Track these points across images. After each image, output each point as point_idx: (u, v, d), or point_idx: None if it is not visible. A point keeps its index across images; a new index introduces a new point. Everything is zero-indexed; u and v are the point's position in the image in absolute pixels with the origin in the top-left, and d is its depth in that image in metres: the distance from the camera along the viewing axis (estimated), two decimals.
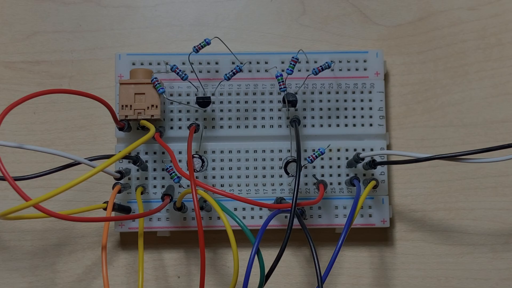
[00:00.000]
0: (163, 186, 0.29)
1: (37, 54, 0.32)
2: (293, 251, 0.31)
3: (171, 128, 0.29)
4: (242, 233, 0.24)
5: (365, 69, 0.30)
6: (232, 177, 0.29)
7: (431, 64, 0.32)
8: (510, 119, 0.31)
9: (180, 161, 0.29)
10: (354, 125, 0.30)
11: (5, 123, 0.21)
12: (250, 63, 0.30)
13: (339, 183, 0.30)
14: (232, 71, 0.28)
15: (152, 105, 0.28)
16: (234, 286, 0.24)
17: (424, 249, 0.31)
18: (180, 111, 0.30)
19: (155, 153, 0.30)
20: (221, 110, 0.30)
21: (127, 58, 0.30)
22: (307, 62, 0.30)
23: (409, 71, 0.32)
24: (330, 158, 0.30)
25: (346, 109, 0.30)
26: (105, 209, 0.27)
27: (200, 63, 0.30)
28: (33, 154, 0.30)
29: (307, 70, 0.30)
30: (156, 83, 0.27)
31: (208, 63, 0.30)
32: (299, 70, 0.30)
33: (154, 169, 0.29)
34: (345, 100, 0.30)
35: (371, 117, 0.30)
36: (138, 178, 0.29)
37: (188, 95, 0.30)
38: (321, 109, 0.30)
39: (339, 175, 0.30)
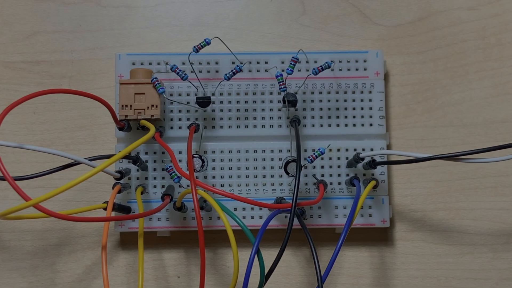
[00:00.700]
0: (163, 186, 0.29)
1: (37, 54, 0.32)
2: (293, 251, 0.31)
3: (171, 128, 0.29)
4: (242, 233, 0.24)
5: (365, 69, 0.30)
6: (232, 177, 0.29)
7: (431, 64, 0.32)
8: (510, 119, 0.31)
9: (180, 161, 0.29)
10: (354, 125, 0.30)
11: (5, 123, 0.21)
12: (250, 63, 0.30)
13: (339, 183, 0.30)
14: (232, 71, 0.28)
15: (152, 105, 0.28)
16: (234, 286, 0.24)
17: (424, 249, 0.31)
18: (180, 111, 0.30)
19: (155, 153, 0.30)
20: (221, 110, 0.30)
21: (127, 58, 0.30)
22: (307, 62, 0.30)
23: (409, 71, 0.32)
24: (330, 158, 0.30)
25: (346, 109, 0.30)
26: (105, 209, 0.27)
27: (200, 63, 0.30)
28: (33, 154, 0.30)
29: (307, 70, 0.30)
30: (156, 83, 0.27)
31: (208, 63, 0.30)
32: (299, 70, 0.30)
33: (154, 169, 0.29)
34: (345, 100, 0.30)
35: (371, 117, 0.30)
36: (138, 178, 0.29)
37: (188, 95, 0.30)
38: (321, 109, 0.30)
39: (339, 175, 0.30)
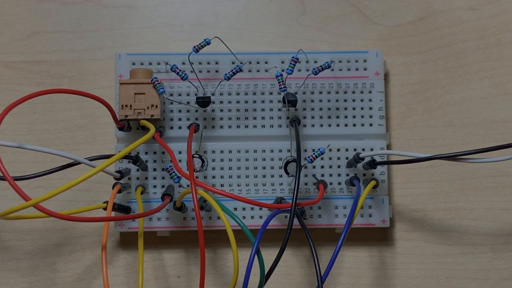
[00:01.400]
0: (163, 186, 0.29)
1: (37, 54, 0.32)
2: (293, 251, 0.31)
3: (171, 128, 0.29)
4: (242, 233, 0.24)
5: (365, 69, 0.30)
6: (232, 177, 0.29)
7: (431, 64, 0.32)
8: (510, 119, 0.31)
9: (180, 161, 0.29)
10: (354, 125, 0.30)
11: (5, 123, 0.21)
12: (250, 63, 0.30)
13: (339, 183, 0.30)
14: (232, 71, 0.28)
15: (152, 105, 0.28)
16: (234, 286, 0.24)
17: (424, 249, 0.31)
18: (180, 111, 0.30)
19: (155, 153, 0.30)
20: (221, 110, 0.30)
21: (127, 58, 0.30)
22: (307, 62, 0.30)
23: (409, 71, 0.32)
24: (330, 158, 0.30)
25: (346, 109, 0.30)
26: (105, 209, 0.27)
27: (200, 63, 0.30)
28: (33, 154, 0.30)
29: (307, 70, 0.30)
30: (156, 83, 0.27)
31: (208, 63, 0.30)
32: (299, 70, 0.30)
33: (154, 169, 0.29)
34: (345, 100, 0.30)
35: (371, 117, 0.30)
36: (138, 178, 0.29)
37: (188, 95, 0.30)
38: (321, 109, 0.30)
39: (339, 175, 0.30)
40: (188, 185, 0.28)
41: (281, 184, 0.29)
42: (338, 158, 0.30)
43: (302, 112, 0.30)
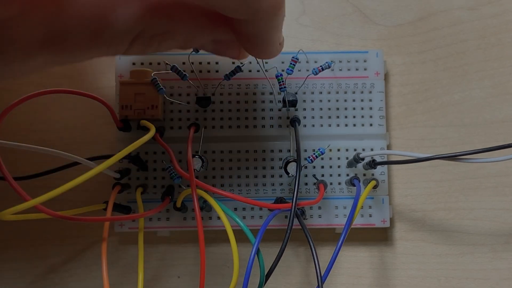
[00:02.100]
0: (163, 186, 0.29)
1: None
2: (293, 251, 0.31)
3: (171, 128, 0.29)
4: (242, 233, 0.24)
5: (365, 69, 0.30)
6: (232, 177, 0.29)
7: (431, 64, 0.32)
8: (510, 119, 0.31)
9: (180, 161, 0.29)
10: (354, 125, 0.30)
11: (5, 123, 0.21)
12: (250, 63, 0.30)
13: (339, 183, 0.30)
14: (232, 71, 0.28)
15: (152, 105, 0.28)
16: (234, 286, 0.24)
17: (424, 249, 0.31)
18: (180, 111, 0.30)
19: (155, 153, 0.30)
20: (221, 110, 0.30)
21: (127, 58, 0.30)
22: (307, 62, 0.30)
23: (409, 71, 0.32)
24: (330, 158, 0.30)
25: (346, 109, 0.30)
26: (105, 209, 0.27)
27: (200, 63, 0.30)
28: (33, 154, 0.30)
29: (307, 70, 0.30)
30: (156, 83, 0.27)
31: (208, 63, 0.30)
32: (299, 70, 0.30)
33: (154, 169, 0.29)
34: (345, 100, 0.30)
35: (371, 117, 0.30)
36: (138, 178, 0.29)
37: (188, 95, 0.30)
38: (321, 109, 0.30)
39: (339, 175, 0.30)
40: (188, 185, 0.28)
41: (281, 184, 0.29)
42: (338, 158, 0.30)
43: (302, 112, 0.30)
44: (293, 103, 0.29)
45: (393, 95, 0.31)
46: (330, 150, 0.30)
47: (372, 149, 0.30)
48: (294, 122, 0.29)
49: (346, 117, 0.30)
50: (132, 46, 0.22)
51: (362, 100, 0.30)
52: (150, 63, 0.30)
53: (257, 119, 0.30)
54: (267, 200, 0.29)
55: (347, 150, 0.30)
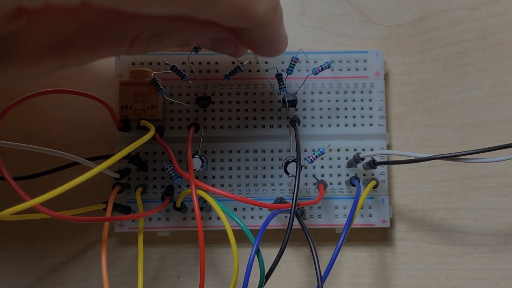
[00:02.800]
0: (163, 186, 0.29)
1: None
2: (293, 251, 0.31)
3: (171, 128, 0.29)
4: (242, 233, 0.24)
5: (365, 69, 0.30)
6: (232, 177, 0.29)
7: (431, 64, 0.32)
8: (510, 119, 0.31)
9: (180, 161, 0.29)
10: (354, 125, 0.30)
11: (5, 123, 0.21)
12: (250, 63, 0.30)
13: (339, 183, 0.30)
14: (232, 71, 0.28)
15: (152, 105, 0.28)
16: (234, 286, 0.24)
17: (424, 249, 0.31)
18: (180, 111, 0.30)
19: (155, 153, 0.30)
20: (221, 110, 0.30)
21: (127, 58, 0.30)
22: (307, 62, 0.30)
23: (409, 71, 0.32)
24: (330, 158, 0.30)
25: (346, 109, 0.30)
26: (105, 209, 0.27)
27: (200, 63, 0.30)
28: (33, 154, 0.30)
29: (307, 70, 0.30)
30: (156, 83, 0.27)
31: (208, 63, 0.30)
32: (299, 70, 0.30)
33: (154, 169, 0.29)
34: (345, 100, 0.30)
35: (371, 117, 0.30)
36: (138, 178, 0.29)
37: (188, 95, 0.30)
38: (321, 109, 0.30)
39: (339, 175, 0.30)
40: (188, 185, 0.28)
41: (281, 184, 0.29)
42: (338, 158, 0.30)
43: (302, 112, 0.30)
44: (293, 103, 0.29)
45: (393, 95, 0.31)
46: (330, 150, 0.30)
47: (372, 149, 0.30)
48: (294, 122, 0.29)
49: (346, 117, 0.30)
50: (132, 46, 0.22)
51: (362, 100, 0.30)
52: (150, 63, 0.30)
53: (257, 119, 0.30)
54: (267, 200, 0.29)
55: (347, 150, 0.30)
